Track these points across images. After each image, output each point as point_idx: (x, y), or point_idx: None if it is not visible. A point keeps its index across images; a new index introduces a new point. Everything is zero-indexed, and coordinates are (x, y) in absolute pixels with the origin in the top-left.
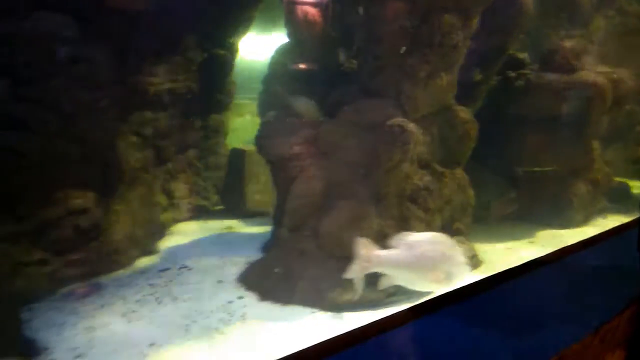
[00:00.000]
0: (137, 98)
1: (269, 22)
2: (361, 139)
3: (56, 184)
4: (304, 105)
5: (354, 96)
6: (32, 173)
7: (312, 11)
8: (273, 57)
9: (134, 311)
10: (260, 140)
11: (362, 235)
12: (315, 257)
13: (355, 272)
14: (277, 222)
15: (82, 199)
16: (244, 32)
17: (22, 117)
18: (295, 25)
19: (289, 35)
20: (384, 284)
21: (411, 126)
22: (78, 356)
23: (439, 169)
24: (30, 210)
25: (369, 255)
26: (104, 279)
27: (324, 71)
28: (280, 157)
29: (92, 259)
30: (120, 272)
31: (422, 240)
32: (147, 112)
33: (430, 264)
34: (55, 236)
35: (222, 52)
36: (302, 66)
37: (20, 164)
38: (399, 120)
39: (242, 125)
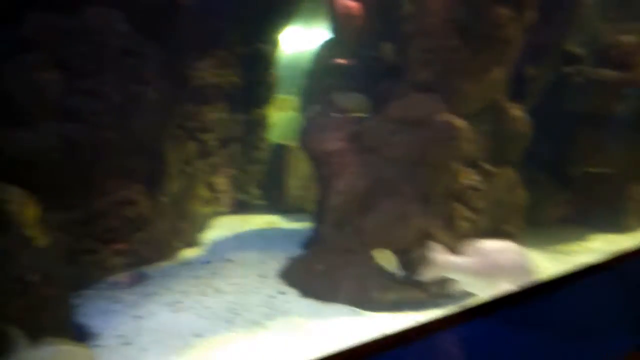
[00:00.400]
0: (181, 92)
1: (313, 16)
2: (407, 135)
3: (105, 175)
4: (350, 101)
5: (400, 91)
6: (83, 164)
7: (354, 5)
8: (317, 52)
9: (179, 302)
10: (303, 135)
11: (407, 233)
12: (359, 255)
13: (427, 276)
14: (319, 219)
15: (129, 190)
16: (286, 26)
17: (74, 109)
18: (337, 19)
19: (333, 29)
20: (451, 288)
21: (460, 123)
22: (125, 343)
23: (489, 167)
24: (79, 200)
25: (443, 261)
26: (149, 270)
27: (368, 66)
28: (323, 153)
29: (138, 249)
30: (165, 263)
31: (493, 249)
32: (191, 106)
33: (501, 272)
34: (103, 226)
35: (265, 46)
36: (344, 61)
37: (72, 155)
38: (447, 116)
39: (285, 120)
